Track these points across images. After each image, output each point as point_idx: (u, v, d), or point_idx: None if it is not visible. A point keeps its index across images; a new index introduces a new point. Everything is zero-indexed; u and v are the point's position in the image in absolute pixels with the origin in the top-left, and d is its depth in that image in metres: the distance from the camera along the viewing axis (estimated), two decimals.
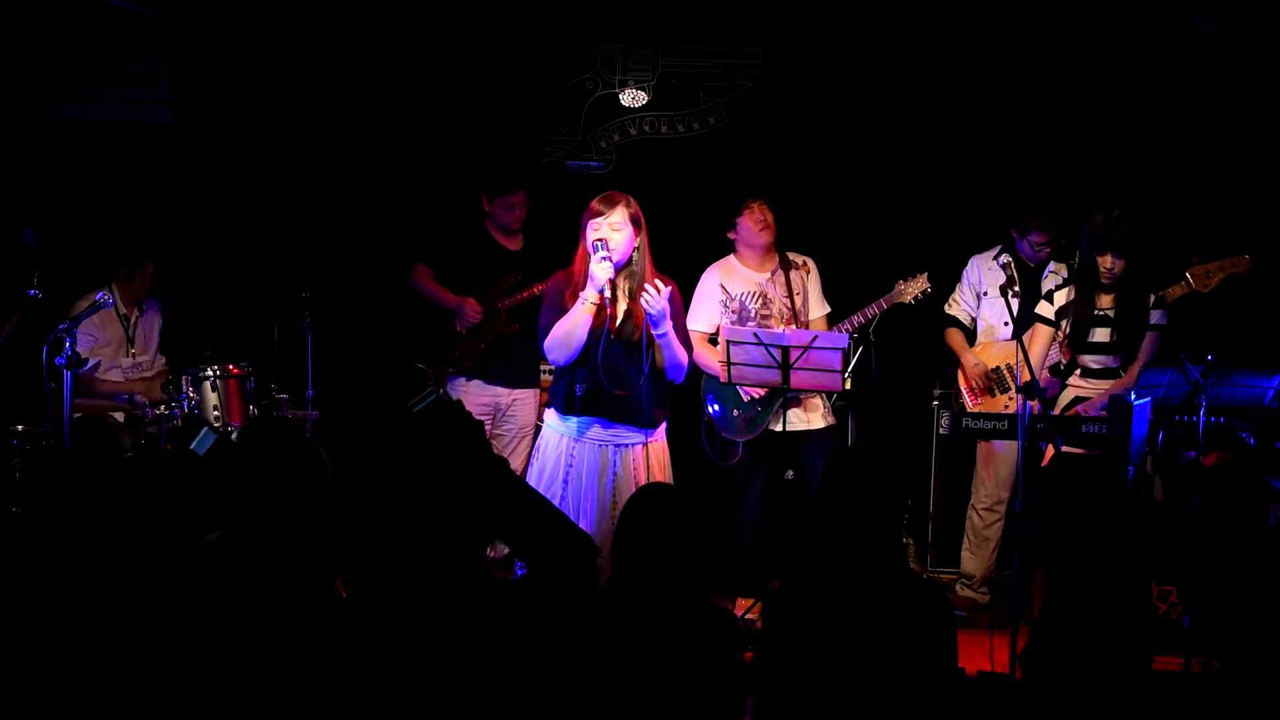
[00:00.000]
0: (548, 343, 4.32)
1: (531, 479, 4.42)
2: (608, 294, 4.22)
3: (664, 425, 4.48)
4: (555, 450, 4.39)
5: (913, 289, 5.23)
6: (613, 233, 4.24)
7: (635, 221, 4.28)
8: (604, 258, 4.18)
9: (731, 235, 5.34)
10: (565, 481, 4.34)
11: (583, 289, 4.24)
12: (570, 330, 4.25)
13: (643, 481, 4.29)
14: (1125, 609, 2.81)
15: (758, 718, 2.91)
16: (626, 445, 4.36)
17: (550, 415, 4.48)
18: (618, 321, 4.31)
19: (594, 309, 4.22)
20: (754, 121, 6.52)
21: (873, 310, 5.27)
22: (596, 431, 4.33)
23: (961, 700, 2.78)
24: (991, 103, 6.30)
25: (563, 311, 4.29)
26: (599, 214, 4.26)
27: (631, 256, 4.28)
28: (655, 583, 2.81)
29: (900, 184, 6.37)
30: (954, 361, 5.62)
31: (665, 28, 6.51)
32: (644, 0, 6.45)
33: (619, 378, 4.28)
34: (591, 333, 4.25)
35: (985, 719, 3.71)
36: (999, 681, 4.18)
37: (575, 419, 4.36)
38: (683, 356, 4.37)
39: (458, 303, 5.64)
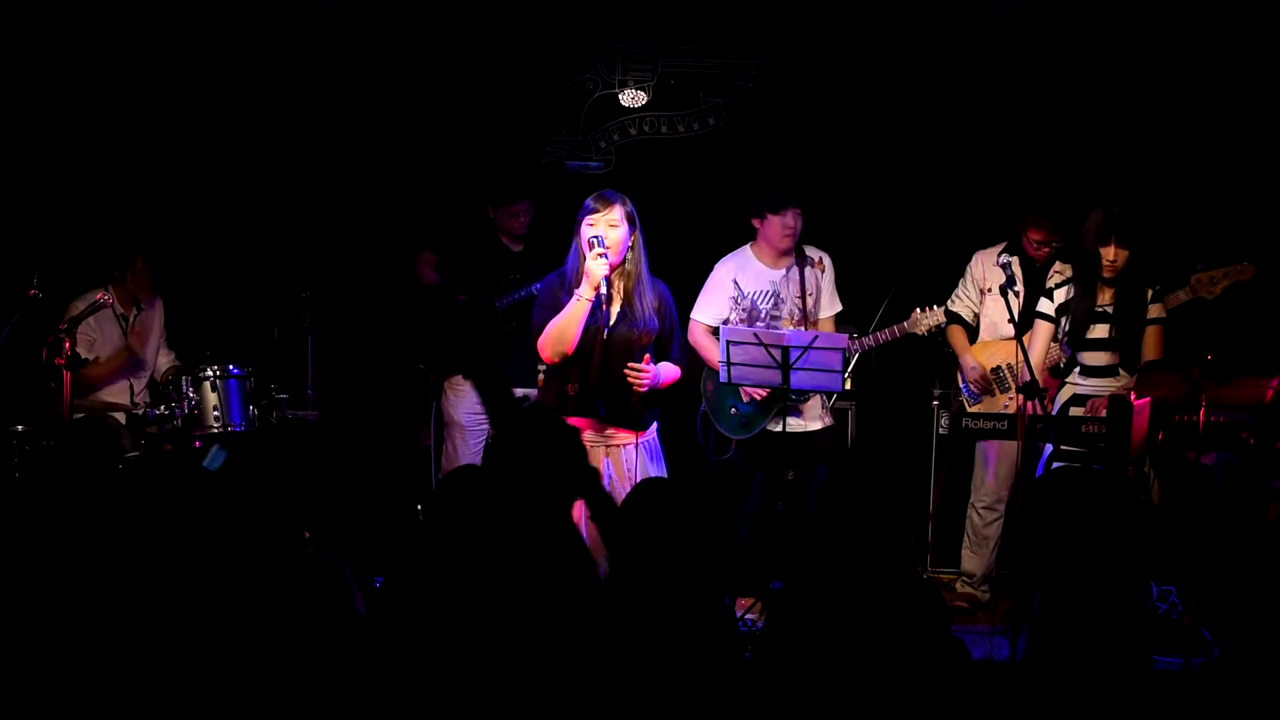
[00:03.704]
0: (542, 340, 4.31)
1: None
2: (604, 290, 4.22)
3: (655, 424, 4.49)
4: None
5: (928, 320, 5.18)
6: (609, 229, 4.24)
7: (631, 220, 4.29)
8: (600, 254, 4.19)
9: (756, 223, 5.29)
10: None
11: (577, 286, 4.25)
12: (565, 327, 4.24)
13: (638, 480, 4.28)
14: (1122, 612, 2.81)
15: (758, 718, 2.91)
16: (619, 446, 4.35)
17: None
18: (612, 320, 4.31)
19: (589, 306, 4.21)
20: (754, 121, 6.52)
21: (885, 335, 5.26)
22: (590, 433, 4.29)
23: (962, 700, 2.78)
24: (990, 102, 6.29)
25: (556, 310, 4.28)
26: (595, 211, 4.26)
27: (626, 255, 4.29)
28: (657, 580, 2.81)
29: (900, 183, 6.37)
30: (955, 361, 5.62)
31: (665, 28, 6.51)
32: (644, 0, 6.45)
33: (614, 378, 4.29)
34: (586, 332, 4.25)
35: (987, 715, 3.70)
36: (1001, 674, 4.16)
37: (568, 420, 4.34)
38: (678, 374, 4.44)
39: None
